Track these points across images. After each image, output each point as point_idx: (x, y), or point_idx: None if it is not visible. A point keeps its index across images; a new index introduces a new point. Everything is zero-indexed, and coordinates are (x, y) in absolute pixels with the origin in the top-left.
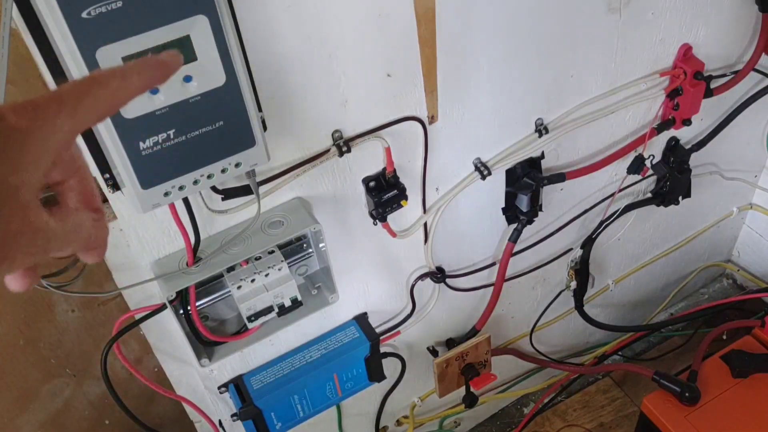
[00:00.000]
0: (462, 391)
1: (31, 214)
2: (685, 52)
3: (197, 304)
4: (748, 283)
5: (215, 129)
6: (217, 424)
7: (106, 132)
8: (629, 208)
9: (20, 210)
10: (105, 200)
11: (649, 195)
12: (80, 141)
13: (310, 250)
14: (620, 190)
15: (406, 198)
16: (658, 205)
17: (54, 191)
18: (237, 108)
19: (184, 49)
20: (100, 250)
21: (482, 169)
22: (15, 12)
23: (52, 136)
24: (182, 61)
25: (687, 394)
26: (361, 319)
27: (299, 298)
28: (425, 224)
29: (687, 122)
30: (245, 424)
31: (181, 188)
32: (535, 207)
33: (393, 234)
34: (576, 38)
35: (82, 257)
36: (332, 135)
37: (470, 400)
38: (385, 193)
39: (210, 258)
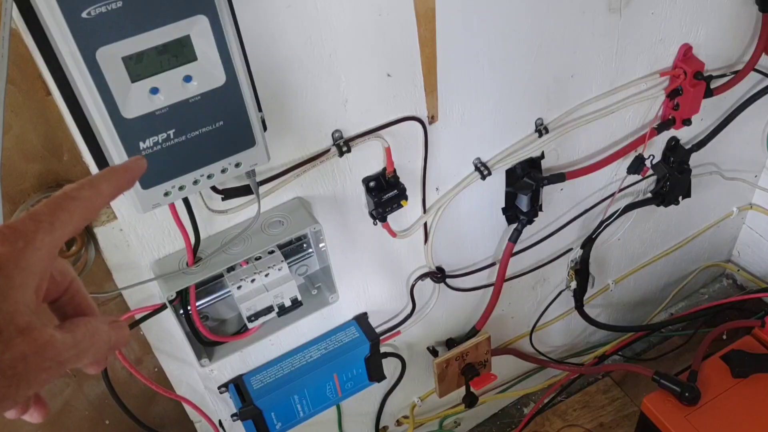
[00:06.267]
0: (462, 391)
1: (34, 333)
2: (685, 52)
3: (197, 304)
4: (748, 283)
5: (215, 129)
6: (217, 424)
7: (106, 132)
8: (629, 208)
9: (20, 333)
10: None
11: (649, 195)
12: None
13: (310, 250)
14: (620, 190)
15: (406, 198)
16: (658, 205)
17: (51, 309)
18: (237, 108)
19: (184, 49)
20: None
21: (482, 169)
22: (15, 12)
23: (35, 254)
24: (145, 164)
25: (687, 394)
26: (361, 319)
27: (299, 298)
28: (425, 224)
29: (687, 122)
30: (245, 424)
31: (181, 188)
32: (535, 207)
33: (393, 234)
34: (576, 38)
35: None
36: (332, 135)
37: (470, 400)
38: (385, 193)
39: (210, 258)
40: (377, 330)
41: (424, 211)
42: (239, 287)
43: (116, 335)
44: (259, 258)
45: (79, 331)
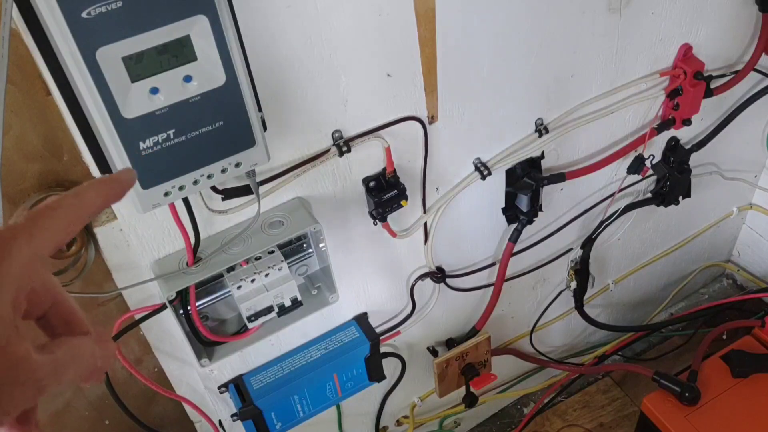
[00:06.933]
0: (462, 391)
1: (10, 348)
2: (685, 52)
3: (197, 304)
4: (748, 283)
5: (215, 129)
6: (217, 424)
7: (106, 132)
8: (629, 208)
9: None
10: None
11: (649, 195)
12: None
13: (310, 250)
14: (620, 190)
15: (406, 198)
16: (658, 205)
17: (38, 325)
18: (237, 108)
19: (184, 49)
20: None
21: (482, 169)
22: (15, 12)
23: (11, 266)
24: (135, 177)
25: (687, 394)
26: (361, 319)
27: (299, 298)
28: (425, 224)
29: (687, 122)
30: (245, 424)
31: (181, 188)
32: (535, 207)
33: (393, 234)
34: (576, 38)
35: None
36: (332, 135)
37: (470, 400)
38: (385, 193)
39: (210, 258)
40: (377, 330)
41: (424, 211)
42: (239, 287)
43: (102, 353)
44: (259, 258)
45: (59, 351)
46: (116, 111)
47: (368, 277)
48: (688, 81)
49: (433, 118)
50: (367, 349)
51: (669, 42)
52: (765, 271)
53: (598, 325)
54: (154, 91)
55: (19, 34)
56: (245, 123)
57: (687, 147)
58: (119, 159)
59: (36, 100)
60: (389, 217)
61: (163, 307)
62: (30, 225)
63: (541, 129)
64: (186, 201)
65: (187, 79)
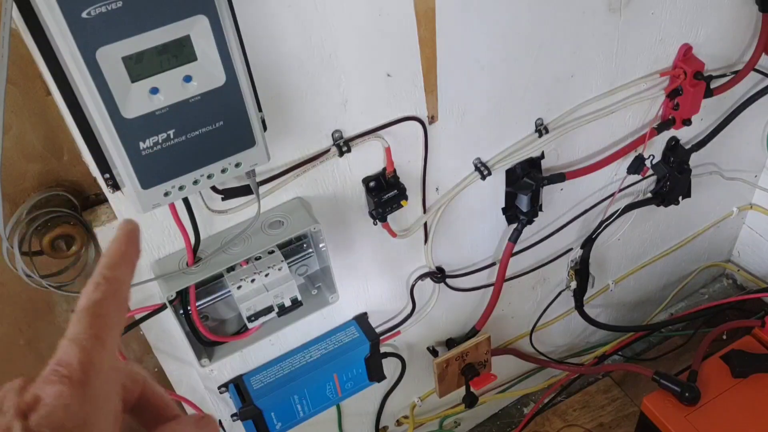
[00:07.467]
0: (462, 391)
1: None
2: (685, 52)
3: (197, 304)
4: (748, 283)
5: (215, 129)
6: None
7: (106, 132)
8: (629, 208)
9: None
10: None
11: (649, 195)
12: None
13: (310, 250)
14: (620, 190)
15: (406, 198)
16: (658, 205)
17: (131, 417)
18: (237, 108)
19: (185, 49)
20: None
21: (482, 169)
22: (15, 12)
23: (100, 378)
24: (137, 224)
25: (687, 394)
26: (361, 319)
27: (299, 298)
28: (425, 224)
29: (687, 122)
30: (245, 424)
31: (181, 188)
32: (535, 207)
33: (393, 234)
34: (576, 38)
35: None
36: (332, 135)
37: (470, 400)
38: (385, 193)
39: (210, 258)
40: (377, 330)
41: (424, 211)
42: (239, 287)
43: None
44: (259, 258)
45: None
46: (116, 111)
47: (368, 277)
48: (688, 81)
49: (433, 118)
50: (367, 349)
51: (669, 42)
52: (765, 271)
53: (598, 325)
54: (154, 91)
55: (19, 34)
56: (245, 123)
57: (687, 147)
58: (119, 159)
59: (36, 100)
60: (389, 217)
61: (163, 307)
62: (92, 329)
63: (541, 129)
64: (186, 201)
65: (187, 79)
